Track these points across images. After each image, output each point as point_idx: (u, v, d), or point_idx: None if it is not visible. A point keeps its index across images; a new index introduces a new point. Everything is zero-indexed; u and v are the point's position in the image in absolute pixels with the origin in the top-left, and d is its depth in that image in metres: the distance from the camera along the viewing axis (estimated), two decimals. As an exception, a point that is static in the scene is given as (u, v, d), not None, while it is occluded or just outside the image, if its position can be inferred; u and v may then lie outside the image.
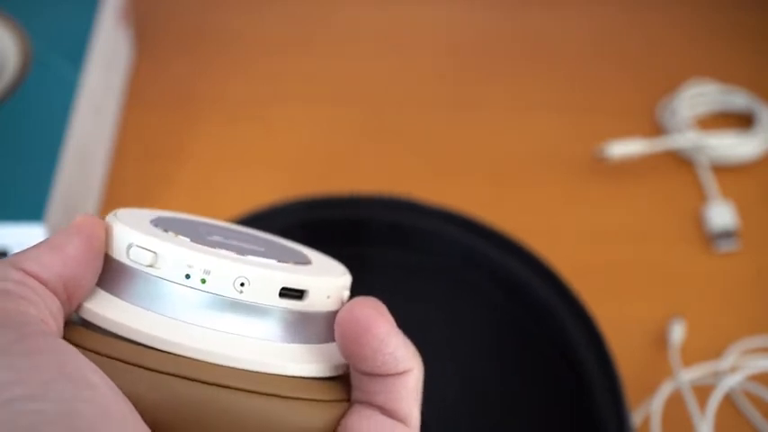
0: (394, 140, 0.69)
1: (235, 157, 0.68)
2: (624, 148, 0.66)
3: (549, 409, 0.51)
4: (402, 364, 0.31)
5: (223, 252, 0.30)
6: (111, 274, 0.30)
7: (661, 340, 0.59)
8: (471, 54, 0.74)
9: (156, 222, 0.32)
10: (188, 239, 0.31)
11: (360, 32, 0.76)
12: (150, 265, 0.30)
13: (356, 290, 0.35)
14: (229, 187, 0.67)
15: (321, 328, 0.31)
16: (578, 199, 0.66)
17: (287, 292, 0.30)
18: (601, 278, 0.61)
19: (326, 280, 0.31)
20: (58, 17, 0.65)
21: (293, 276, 0.30)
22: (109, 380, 0.27)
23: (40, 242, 0.30)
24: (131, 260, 0.30)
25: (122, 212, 0.32)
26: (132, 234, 0.30)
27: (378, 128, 0.70)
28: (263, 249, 0.32)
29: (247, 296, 0.29)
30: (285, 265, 0.31)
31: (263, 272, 0.29)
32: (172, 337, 0.29)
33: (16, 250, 0.56)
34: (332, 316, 0.32)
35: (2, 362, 0.26)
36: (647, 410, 0.55)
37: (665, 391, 0.56)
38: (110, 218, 0.31)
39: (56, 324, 0.29)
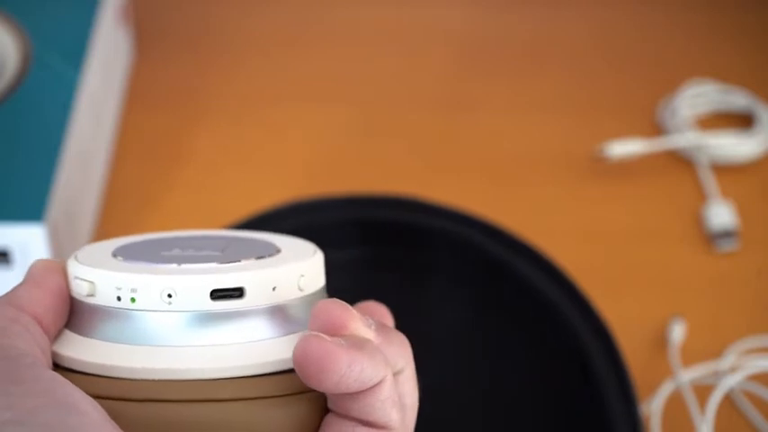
0: (394, 140, 0.69)
1: (235, 157, 0.68)
2: (624, 148, 0.66)
3: (557, 410, 0.51)
4: (371, 381, 0.30)
5: (156, 266, 0.30)
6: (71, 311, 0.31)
7: (661, 340, 0.59)
8: (471, 53, 0.74)
9: (117, 251, 0.31)
10: (124, 261, 0.30)
11: (361, 32, 0.76)
12: (90, 295, 0.30)
13: (369, 290, 0.34)
14: (230, 187, 0.67)
15: (280, 319, 0.30)
16: (578, 199, 0.66)
17: (222, 294, 0.29)
18: (600, 278, 0.61)
19: (268, 272, 0.29)
20: (57, 17, 0.65)
21: (226, 276, 0.29)
22: (99, 407, 0.28)
23: (25, 280, 0.31)
24: (76, 293, 0.30)
25: (84, 249, 0.32)
26: (73, 267, 0.30)
27: (378, 127, 0.70)
28: (218, 253, 0.31)
29: (178, 306, 0.29)
30: (231, 265, 0.30)
31: (189, 279, 0.29)
32: (123, 363, 0.29)
33: (16, 250, 0.56)
34: (292, 304, 0.30)
35: None
36: (647, 410, 0.55)
37: (665, 391, 0.56)
38: (71, 258, 0.31)
39: (45, 357, 0.30)
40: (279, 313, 0.30)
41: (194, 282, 0.29)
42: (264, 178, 0.67)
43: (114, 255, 0.31)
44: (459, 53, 0.74)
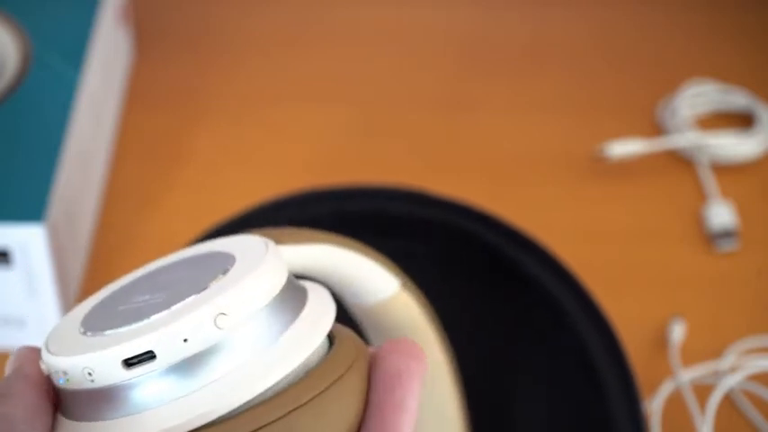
0: (394, 140, 0.69)
1: (235, 156, 0.68)
2: (624, 148, 0.66)
3: (559, 408, 0.51)
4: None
5: (88, 340, 0.29)
6: (62, 397, 0.30)
7: (661, 340, 0.59)
8: (471, 53, 0.74)
9: (84, 322, 0.31)
10: (85, 335, 0.30)
11: (361, 32, 0.76)
12: (66, 380, 0.29)
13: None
14: (230, 187, 0.67)
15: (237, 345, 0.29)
16: (578, 199, 0.66)
17: (134, 361, 0.28)
18: (600, 278, 0.61)
19: (171, 328, 0.28)
20: (57, 17, 0.65)
21: (131, 344, 0.28)
22: None
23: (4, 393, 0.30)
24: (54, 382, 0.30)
25: (53, 331, 0.31)
26: (44, 358, 0.30)
27: (378, 127, 0.70)
28: (160, 300, 0.30)
29: (99, 382, 0.28)
30: (141, 324, 0.29)
31: (94, 356, 0.28)
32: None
33: (16, 250, 0.56)
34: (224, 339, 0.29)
35: None
36: (648, 410, 0.55)
37: (665, 390, 0.56)
38: (42, 344, 0.31)
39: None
40: (220, 349, 0.29)
41: (98, 359, 0.28)
42: (264, 178, 0.67)
43: (82, 326, 0.31)
44: (459, 53, 0.74)
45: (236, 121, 0.70)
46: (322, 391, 0.29)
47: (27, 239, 0.55)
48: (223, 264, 0.31)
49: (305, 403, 0.29)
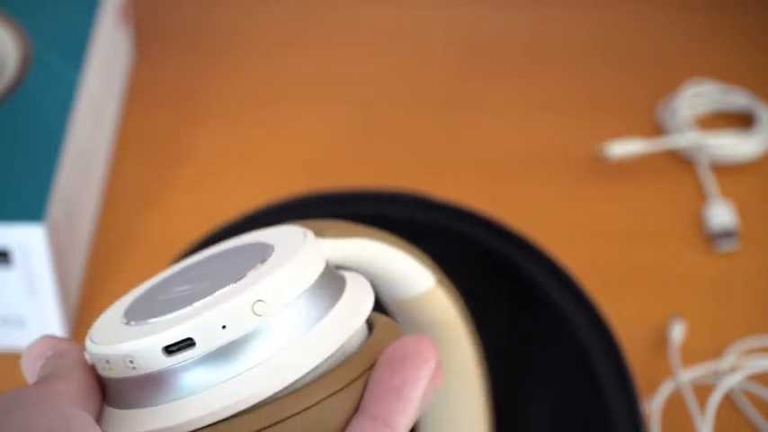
0: (394, 140, 0.69)
1: (235, 157, 0.68)
2: (624, 148, 0.66)
3: (558, 409, 0.51)
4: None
5: (129, 331, 0.30)
6: (106, 386, 0.31)
7: (661, 340, 0.59)
8: (471, 53, 0.74)
9: (127, 312, 0.31)
10: (128, 325, 0.30)
11: (361, 32, 0.76)
12: (109, 368, 0.30)
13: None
14: (230, 187, 0.67)
15: (284, 327, 0.30)
16: (578, 199, 0.66)
17: (175, 348, 0.29)
18: (600, 278, 0.61)
19: (210, 315, 0.29)
20: (57, 17, 0.65)
21: (170, 332, 0.29)
22: None
23: (55, 375, 0.31)
24: (99, 369, 0.30)
25: (97, 323, 0.32)
26: (88, 347, 0.31)
27: (378, 127, 0.70)
28: (199, 289, 0.31)
29: (140, 370, 0.29)
30: (182, 312, 0.29)
31: (135, 344, 0.29)
32: (183, 418, 0.29)
33: (16, 250, 0.56)
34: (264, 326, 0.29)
35: (17, 415, 0.27)
36: (648, 410, 0.55)
37: (665, 390, 0.56)
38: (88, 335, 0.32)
39: (86, 402, 0.30)
40: (267, 329, 0.29)
41: (139, 347, 0.29)
42: (264, 178, 0.67)
43: (125, 317, 0.31)
44: (459, 53, 0.74)
45: (236, 121, 0.70)
46: (359, 376, 0.30)
47: (27, 239, 0.55)
48: (262, 253, 0.32)
49: (342, 388, 0.29)
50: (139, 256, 0.63)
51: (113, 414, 0.30)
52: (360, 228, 0.37)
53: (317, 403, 0.29)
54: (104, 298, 0.61)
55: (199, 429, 0.28)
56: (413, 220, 0.55)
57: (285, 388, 0.29)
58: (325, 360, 0.30)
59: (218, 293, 0.30)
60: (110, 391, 0.30)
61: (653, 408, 0.55)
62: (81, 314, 0.61)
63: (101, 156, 0.66)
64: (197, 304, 0.30)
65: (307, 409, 0.29)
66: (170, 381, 0.29)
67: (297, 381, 0.29)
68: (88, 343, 0.31)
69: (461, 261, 0.54)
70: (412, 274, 0.40)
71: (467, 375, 0.45)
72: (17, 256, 0.56)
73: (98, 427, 0.28)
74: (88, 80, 0.63)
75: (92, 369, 0.30)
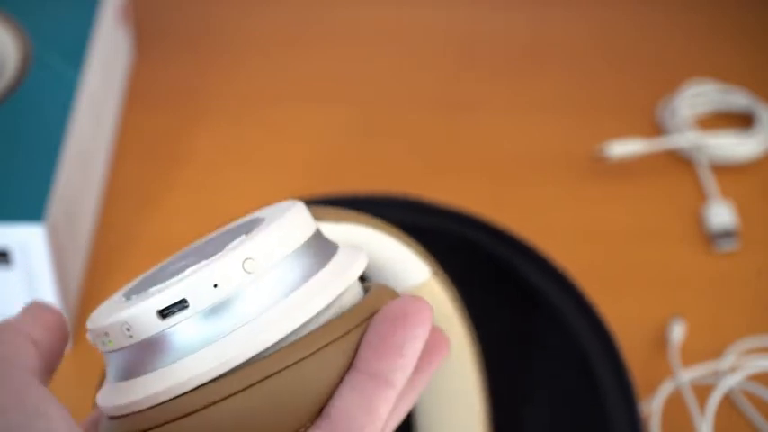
0: (394, 140, 0.69)
1: (235, 157, 0.68)
2: (624, 148, 0.66)
3: (557, 410, 0.51)
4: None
5: (126, 304, 0.30)
6: (107, 362, 0.32)
7: (661, 340, 0.59)
8: (471, 53, 0.74)
9: (126, 293, 0.32)
10: (127, 300, 0.31)
11: (361, 32, 0.76)
12: (109, 341, 0.31)
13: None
14: (230, 187, 0.67)
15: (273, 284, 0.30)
16: (578, 199, 0.66)
17: (169, 311, 0.29)
18: (600, 278, 0.61)
19: (202, 274, 0.29)
20: (57, 17, 0.65)
21: (164, 294, 0.29)
22: (68, 416, 0.28)
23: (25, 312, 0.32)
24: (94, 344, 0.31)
25: (98, 308, 0.33)
26: (88, 326, 0.31)
27: (378, 127, 0.70)
28: (194, 261, 0.31)
29: (137, 337, 0.30)
30: (175, 278, 0.30)
31: (131, 311, 0.29)
32: (166, 384, 0.29)
33: (16, 250, 0.56)
34: (279, 270, 0.30)
35: None
36: (647, 410, 0.55)
37: (665, 390, 0.56)
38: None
39: (32, 369, 0.30)
40: (258, 284, 0.30)
41: (133, 312, 0.30)
42: (264, 178, 0.67)
43: (124, 296, 0.32)
44: (459, 53, 0.74)
45: (236, 121, 0.70)
46: (352, 329, 0.30)
47: (27, 239, 0.55)
48: (254, 225, 0.32)
49: (335, 340, 0.30)
50: (139, 256, 0.63)
51: (116, 387, 0.30)
52: (357, 214, 0.37)
53: (310, 355, 0.29)
54: (104, 298, 0.61)
55: (198, 386, 0.29)
56: (414, 225, 0.55)
57: (278, 342, 0.29)
58: (319, 316, 0.30)
59: (209, 259, 0.30)
60: (111, 366, 0.31)
61: (653, 407, 0.55)
62: (81, 314, 0.61)
63: (101, 156, 0.66)
64: (189, 270, 0.30)
65: (299, 361, 0.29)
66: (167, 343, 0.29)
67: (290, 336, 0.30)
68: (89, 323, 0.31)
69: (464, 267, 0.54)
70: (407, 265, 0.40)
71: (463, 367, 0.45)
72: (17, 256, 0.56)
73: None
74: (88, 80, 0.63)
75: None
